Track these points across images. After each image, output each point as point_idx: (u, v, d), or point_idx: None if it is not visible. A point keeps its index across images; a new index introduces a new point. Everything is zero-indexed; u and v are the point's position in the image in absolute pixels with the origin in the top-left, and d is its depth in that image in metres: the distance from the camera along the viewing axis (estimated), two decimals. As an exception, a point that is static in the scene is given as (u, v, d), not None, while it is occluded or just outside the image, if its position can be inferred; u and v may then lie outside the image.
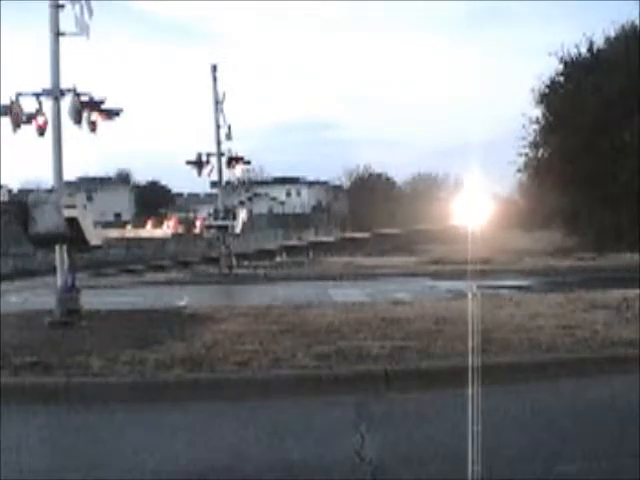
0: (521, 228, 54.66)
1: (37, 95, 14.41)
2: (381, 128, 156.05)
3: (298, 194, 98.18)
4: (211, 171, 30.98)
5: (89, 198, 16.42)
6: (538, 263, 31.38)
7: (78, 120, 14.40)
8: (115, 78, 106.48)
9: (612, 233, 36.75)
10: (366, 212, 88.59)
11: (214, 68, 31.50)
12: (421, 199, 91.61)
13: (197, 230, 28.77)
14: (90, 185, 68.21)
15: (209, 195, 55.70)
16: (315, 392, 9.11)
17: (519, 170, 44.78)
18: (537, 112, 41.90)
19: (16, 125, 14.30)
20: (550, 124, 40.76)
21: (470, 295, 14.78)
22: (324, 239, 66.66)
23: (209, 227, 32.02)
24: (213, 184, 33.78)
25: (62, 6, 14.48)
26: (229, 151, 31.22)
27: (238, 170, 32.25)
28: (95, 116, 14.50)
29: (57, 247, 14.60)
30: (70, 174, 30.25)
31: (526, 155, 42.69)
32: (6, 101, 14.30)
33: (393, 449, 6.98)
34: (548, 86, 41.35)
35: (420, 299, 16.92)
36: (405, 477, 6.39)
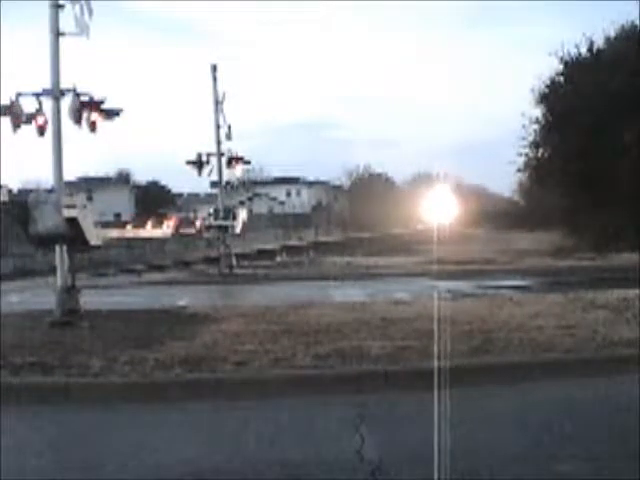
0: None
1: (37, 95, 14.42)
2: (381, 128, 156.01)
3: (298, 194, 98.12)
4: (211, 171, 31.00)
5: (89, 198, 16.41)
6: (538, 263, 31.40)
7: (78, 120, 14.40)
8: (115, 78, 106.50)
9: (612, 233, 36.74)
10: (366, 212, 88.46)
11: (214, 68, 31.50)
12: (421, 199, 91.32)
13: (170, 229, 28.47)
14: (90, 185, 68.13)
15: (209, 195, 55.66)
16: (315, 392, 9.11)
17: (519, 170, 44.87)
18: (537, 112, 41.95)
19: (16, 125, 14.31)
20: (550, 124, 40.75)
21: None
22: (324, 239, 66.62)
23: (209, 227, 32.02)
24: (213, 184, 33.78)
25: (62, 6, 14.48)
26: (229, 151, 31.23)
27: (238, 170, 32.26)
28: (95, 116, 14.49)
29: (57, 247, 14.61)
30: (70, 174, 30.22)
31: (526, 155, 42.73)
32: (6, 101, 14.31)
33: (393, 449, 6.98)
34: (548, 86, 41.35)
35: (420, 299, 16.91)
36: (405, 477, 6.39)
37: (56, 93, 14.36)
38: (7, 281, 26.61)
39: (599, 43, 40.42)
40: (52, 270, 15.33)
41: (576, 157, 37.43)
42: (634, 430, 7.05)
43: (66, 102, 14.42)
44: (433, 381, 9.24)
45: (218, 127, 31.05)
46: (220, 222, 31.10)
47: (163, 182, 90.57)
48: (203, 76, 32.07)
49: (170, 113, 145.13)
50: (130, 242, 45.01)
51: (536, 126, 41.83)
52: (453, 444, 7.01)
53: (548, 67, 41.38)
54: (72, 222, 14.07)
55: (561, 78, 41.08)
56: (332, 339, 11.22)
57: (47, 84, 14.43)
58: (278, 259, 42.06)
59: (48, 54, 14.41)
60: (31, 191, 22.98)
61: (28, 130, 14.38)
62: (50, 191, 15.16)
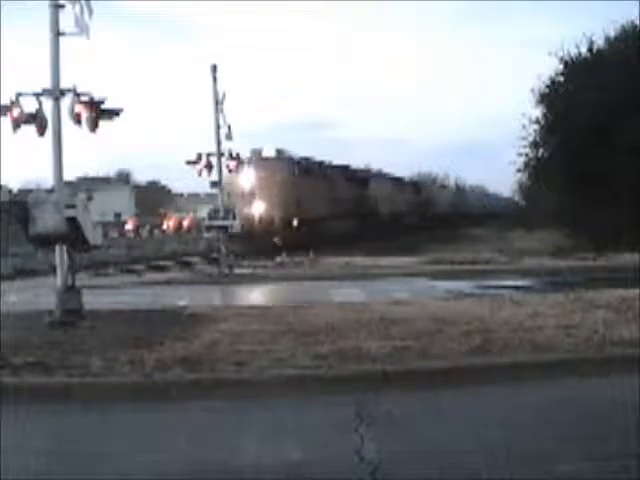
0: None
1: (37, 95, 14.41)
2: (381, 128, 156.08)
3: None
4: (211, 171, 30.98)
5: (89, 198, 16.40)
6: (538, 263, 31.37)
7: (78, 120, 14.40)
8: (115, 78, 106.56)
9: (612, 233, 36.75)
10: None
11: (214, 68, 31.47)
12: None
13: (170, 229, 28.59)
14: (90, 185, 68.20)
15: (209, 195, 55.63)
16: (315, 392, 9.11)
17: (519, 170, 44.95)
18: (537, 112, 42.01)
19: (16, 125, 14.31)
20: (550, 124, 40.81)
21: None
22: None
23: (209, 227, 32.03)
24: (213, 184, 33.78)
25: (62, 6, 14.47)
26: (229, 151, 31.25)
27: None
28: (95, 116, 14.48)
29: (57, 247, 14.61)
30: (70, 174, 30.28)
31: (526, 155, 42.78)
32: (6, 101, 14.31)
33: (393, 449, 6.99)
34: (548, 86, 41.42)
35: (420, 299, 16.90)
36: (405, 476, 6.39)
37: (56, 93, 14.35)
38: (7, 281, 26.60)
39: (599, 43, 40.57)
40: (52, 270, 15.32)
41: (576, 157, 37.46)
42: (634, 430, 7.06)
43: (66, 102, 14.43)
44: (432, 381, 9.28)
45: (218, 127, 31.05)
46: (220, 222, 31.10)
47: (163, 182, 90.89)
48: (203, 76, 32.09)
49: (170, 113, 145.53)
50: (130, 242, 45.08)
51: (536, 126, 41.97)
52: (452, 444, 7.03)
53: (548, 67, 41.50)
54: (72, 222, 14.06)
55: (561, 78, 41.16)
56: (332, 339, 11.22)
57: (47, 84, 14.43)
58: (278, 259, 42.02)
59: (48, 54, 14.41)
60: (31, 191, 22.99)
61: (28, 130, 14.40)
62: (50, 191, 15.16)
